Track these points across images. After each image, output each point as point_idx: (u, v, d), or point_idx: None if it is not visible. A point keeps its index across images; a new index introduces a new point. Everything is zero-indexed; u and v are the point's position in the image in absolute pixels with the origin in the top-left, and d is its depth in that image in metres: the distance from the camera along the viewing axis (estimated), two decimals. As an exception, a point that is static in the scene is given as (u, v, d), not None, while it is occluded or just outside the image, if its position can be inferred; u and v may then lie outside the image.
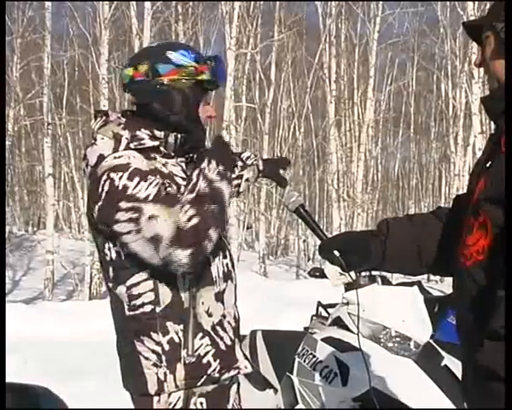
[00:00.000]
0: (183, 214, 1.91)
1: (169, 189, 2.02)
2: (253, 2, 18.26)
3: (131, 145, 2.07)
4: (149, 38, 14.33)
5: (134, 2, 14.64)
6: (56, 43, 18.61)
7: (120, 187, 1.96)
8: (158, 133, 2.11)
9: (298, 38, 21.10)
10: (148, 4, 14.42)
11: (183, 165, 2.18)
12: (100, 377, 5.61)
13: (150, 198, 1.94)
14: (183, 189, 2.05)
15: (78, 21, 17.28)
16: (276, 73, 20.44)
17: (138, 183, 1.96)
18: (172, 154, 2.15)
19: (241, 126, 18.69)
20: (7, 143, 16.85)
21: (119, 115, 2.17)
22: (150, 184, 1.97)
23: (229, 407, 2.20)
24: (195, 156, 2.21)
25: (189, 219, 1.91)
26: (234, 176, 2.47)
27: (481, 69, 1.88)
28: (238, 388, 2.27)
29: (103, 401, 4.85)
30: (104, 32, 14.06)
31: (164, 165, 2.11)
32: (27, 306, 10.05)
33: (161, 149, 2.12)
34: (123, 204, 1.95)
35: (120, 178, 1.97)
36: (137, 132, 2.09)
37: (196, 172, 2.01)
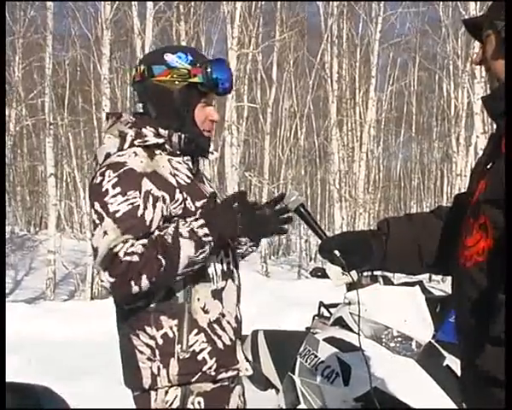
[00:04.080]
0: (128, 245, 1.96)
1: (140, 212, 2.01)
2: (254, 3, 18.25)
3: (135, 142, 2.11)
4: (151, 38, 14.34)
5: (136, 3, 14.64)
6: (58, 43, 18.59)
7: (103, 189, 2.03)
8: (162, 131, 2.14)
9: (299, 38, 21.04)
10: (149, 4, 14.42)
11: (190, 163, 2.19)
12: (101, 377, 5.61)
13: (116, 215, 2.00)
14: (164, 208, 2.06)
15: (79, 21, 17.29)
16: (277, 73, 20.44)
17: (117, 194, 2.01)
18: (178, 152, 2.16)
19: (243, 126, 18.70)
20: (9, 143, 16.88)
21: (131, 116, 2.20)
22: (126, 201, 2.01)
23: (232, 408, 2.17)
24: (201, 157, 2.26)
25: (129, 254, 1.95)
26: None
27: (483, 68, 1.84)
28: (243, 391, 2.24)
29: (105, 401, 4.85)
30: (106, 33, 14.06)
31: (169, 161, 2.13)
32: (29, 306, 10.06)
33: (167, 146, 2.15)
34: (96, 205, 2.04)
35: (109, 181, 2.03)
36: (143, 130, 2.13)
37: (178, 223, 2.02)
